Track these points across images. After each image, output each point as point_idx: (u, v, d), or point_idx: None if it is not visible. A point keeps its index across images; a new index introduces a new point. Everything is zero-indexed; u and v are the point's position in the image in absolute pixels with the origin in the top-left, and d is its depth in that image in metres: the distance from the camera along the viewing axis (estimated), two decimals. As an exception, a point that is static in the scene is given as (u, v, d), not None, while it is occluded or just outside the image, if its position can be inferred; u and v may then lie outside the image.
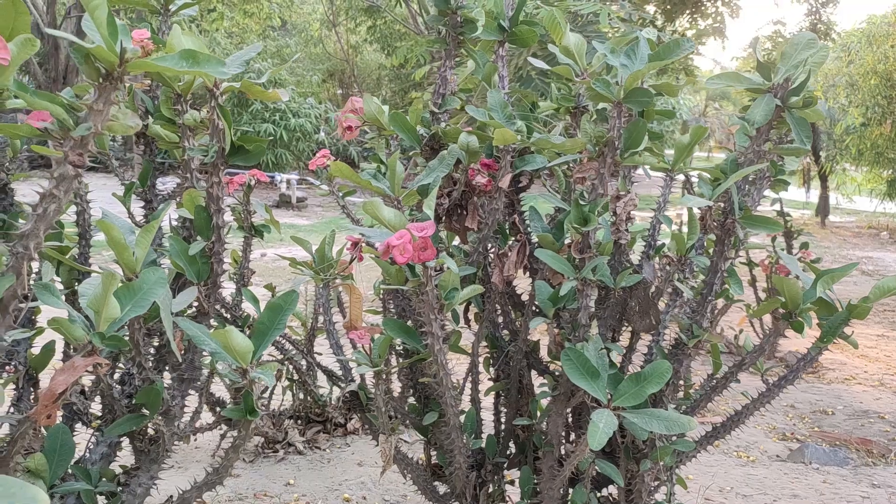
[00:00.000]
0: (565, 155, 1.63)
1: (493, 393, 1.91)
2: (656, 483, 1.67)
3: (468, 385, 1.88)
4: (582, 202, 1.45)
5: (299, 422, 2.86)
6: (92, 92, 0.90)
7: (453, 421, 1.58)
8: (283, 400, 2.93)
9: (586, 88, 1.39)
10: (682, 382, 1.62)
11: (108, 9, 0.87)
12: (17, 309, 0.98)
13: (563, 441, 1.68)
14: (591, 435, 1.36)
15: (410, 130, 1.66)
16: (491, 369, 1.93)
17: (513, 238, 1.78)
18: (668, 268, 1.63)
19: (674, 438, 1.64)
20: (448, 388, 1.54)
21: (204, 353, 1.43)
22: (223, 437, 2.58)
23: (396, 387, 1.83)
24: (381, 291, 2.16)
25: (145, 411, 1.38)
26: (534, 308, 1.76)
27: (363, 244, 1.81)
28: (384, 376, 1.66)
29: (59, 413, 1.27)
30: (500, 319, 1.87)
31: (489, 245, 1.69)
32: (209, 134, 1.27)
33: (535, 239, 1.72)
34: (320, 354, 3.21)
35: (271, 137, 13.32)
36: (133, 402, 1.43)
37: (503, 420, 1.94)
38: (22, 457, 1.17)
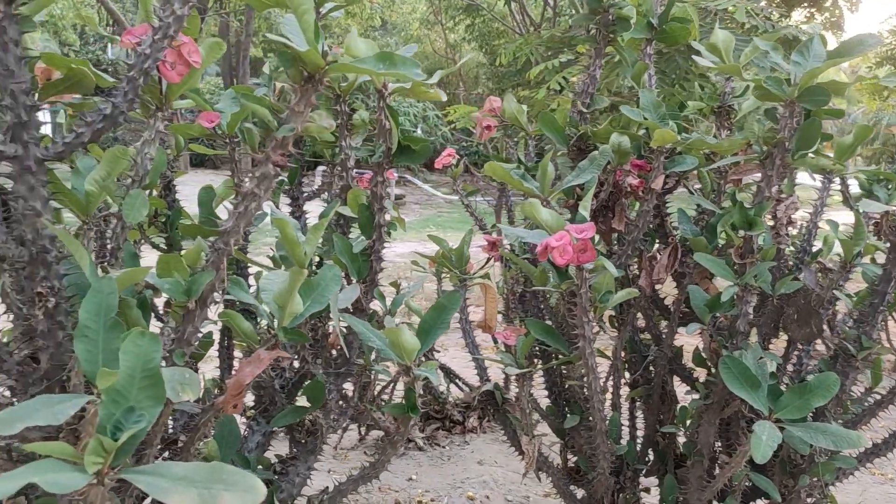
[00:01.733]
0: (721, 156, 1.58)
1: (629, 398, 1.88)
2: (811, 501, 1.60)
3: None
4: (746, 205, 1.40)
5: (419, 418, 2.89)
6: (294, 94, 0.93)
7: (600, 426, 1.56)
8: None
9: (756, 87, 1.33)
10: (845, 396, 1.54)
11: (314, 14, 0.89)
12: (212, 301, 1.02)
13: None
14: (754, 448, 1.31)
15: (559, 131, 1.65)
16: (626, 374, 1.89)
17: (658, 241, 1.74)
18: (829, 275, 1.55)
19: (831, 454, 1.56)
20: (596, 392, 1.52)
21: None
22: (345, 430, 2.63)
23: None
24: (505, 291, 2.16)
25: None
26: (680, 313, 1.71)
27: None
28: (528, 378, 1.65)
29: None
30: (641, 324, 1.84)
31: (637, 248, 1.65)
32: (376, 134, 1.29)
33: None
34: (438, 352, 3.24)
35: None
36: (288, 394, 1.48)
37: (640, 426, 1.91)
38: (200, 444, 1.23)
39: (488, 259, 2.05)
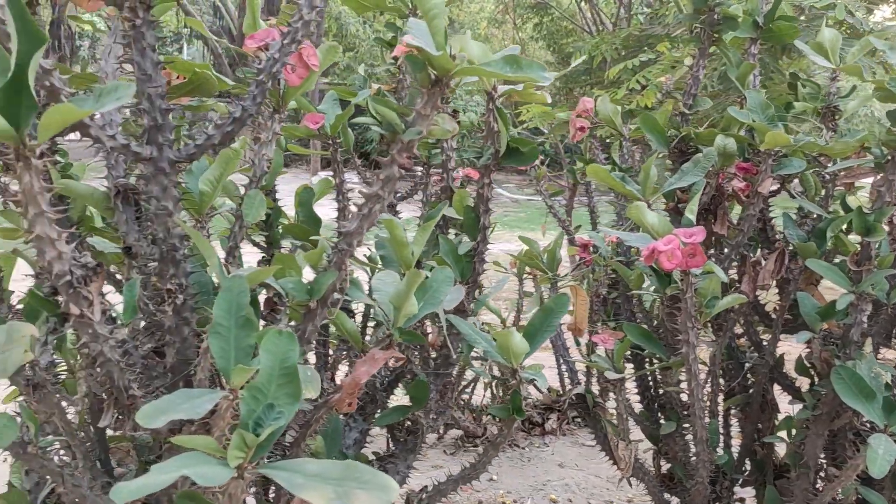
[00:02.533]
0: (831, 159, 1.53)
1: (725, 406, 1.83)
2: (924, 518, 1.53)
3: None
4: (865, 210, 1.35)
5: (497, 418, 2.89)
6: (420, 97, 0.93)
7: (700, 434, 1.53)
8: (483, 396, 2.97)
9: (877, 88, 1.28)
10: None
11: (445, 18, 0.89)
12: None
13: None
14: (870, 461, 1.26)
15: (660, 132, 1.62)
16: (721, 380, 1.85)
17: (760, 245, 1.69)
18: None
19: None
20: (698, 399, 1.49)
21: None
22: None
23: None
24: (589, 293, 2.14)
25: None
26: (783, 321, 1.66)
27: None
28: (623, 382, 1.63)
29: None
30: (739, 330, 1.79)
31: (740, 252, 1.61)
32: (483, 136, 1.29)
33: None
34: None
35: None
36: (384, 392, 1.50)
37: (734, 434, 1.86)
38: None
39: (580, 261, 2.03)
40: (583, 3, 11.84)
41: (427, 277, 1.14)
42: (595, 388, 2.07)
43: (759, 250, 1.66)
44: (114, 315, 1.04)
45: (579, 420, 2.97)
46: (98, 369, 0.92)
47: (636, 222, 1.36)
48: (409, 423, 1.48)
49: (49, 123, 0.69)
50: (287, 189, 1.68)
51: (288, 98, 1.17)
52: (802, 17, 3.39)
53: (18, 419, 0.95)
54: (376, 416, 1.44)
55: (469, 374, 2.82)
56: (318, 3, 0.99)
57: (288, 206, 1.59)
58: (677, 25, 4.01)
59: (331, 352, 1.65)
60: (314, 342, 1.10)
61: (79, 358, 1.00)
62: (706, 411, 1.54)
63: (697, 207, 1.65)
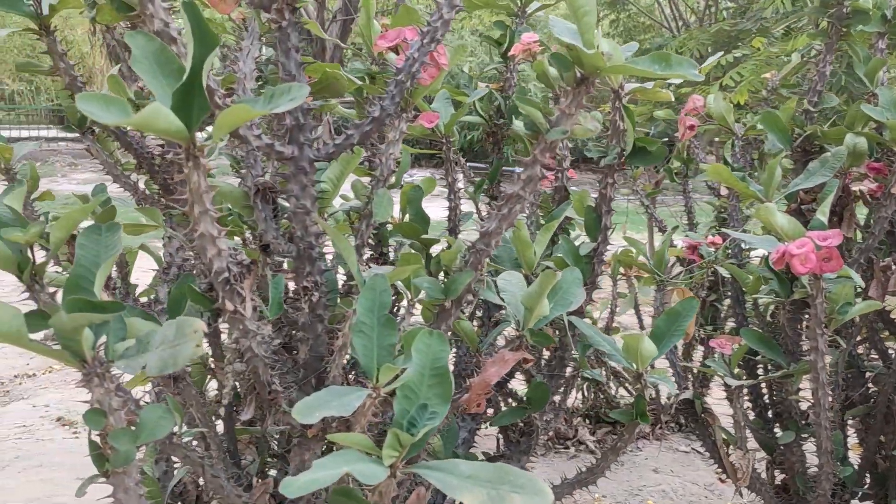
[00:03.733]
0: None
1: (844, 417, 1.76)
2: None
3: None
4: None
5: (589, 421, 2.85)
6: (565, 96, 0.92)
7: (825, 445, 1.46)
8: (575, 398, 2.94)
9: None
10: None
11: (595, 15, 0.87)
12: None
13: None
14: None
15: (783, 131, 1.56)
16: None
17: (890, 249, 1.61)
18: None
19: None
20: (824, 409, 1.43)
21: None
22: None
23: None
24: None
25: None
26: (912, 328, 1.59)
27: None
28: (741, 390, 1.58)
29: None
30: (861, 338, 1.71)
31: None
32: (608, 135, 1.27)
33: None
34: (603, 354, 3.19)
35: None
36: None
37: (851, 446, 1.78)
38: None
39: (690, 263, 1.98)
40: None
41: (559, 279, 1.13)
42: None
43: (890, 254, 1.58)
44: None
45: (673, 425, 2.90)
46: (245, 364, 0.93)
47: (764, 224, 1.31)
48: (522, 423, 1.46)
49: (224, 123, 0.71)
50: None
51: (416, 97, 1.17)
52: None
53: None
54: (490, 415, 1.44)
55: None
56: (458, 2, 0.98)
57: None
58: (778, 20, 3.87)
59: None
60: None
61: (226, 355, 1.02)
62: (831, 421, 1.48)
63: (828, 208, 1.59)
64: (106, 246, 0.84)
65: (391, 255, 1.67)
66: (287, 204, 1.03)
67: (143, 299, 1.53)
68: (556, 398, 1.52)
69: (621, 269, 2.73)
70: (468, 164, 1.93)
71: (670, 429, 2.89)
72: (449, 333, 1.14)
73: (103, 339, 0.80)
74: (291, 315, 1.08)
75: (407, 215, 1.54)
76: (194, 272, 1.20)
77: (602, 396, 2.84)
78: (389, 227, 1.64)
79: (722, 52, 3.37)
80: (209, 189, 0.78)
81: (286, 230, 1.07)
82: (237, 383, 1.05)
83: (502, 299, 1.12)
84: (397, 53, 1.16)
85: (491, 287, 1.11)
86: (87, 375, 0.78)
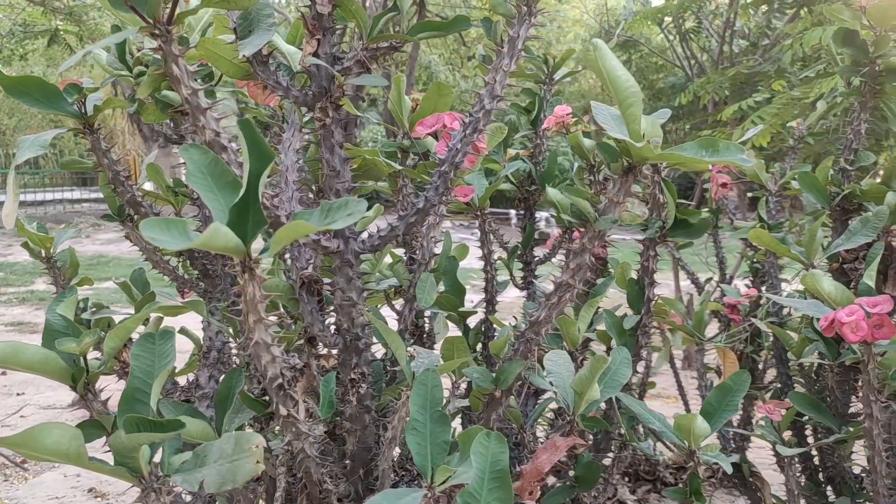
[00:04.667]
0: None
1: None
2: None
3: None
4: None
5: (628, 479, 2.79)
6: (613, 184, 0.92)
7: (884, 513, 1.42)
8: (615, 456, 2.88)
9: None
10: None
11: (641, 106, 0.88)
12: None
13: None
14: None
15: (821, 190, 1.55)
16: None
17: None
18: None
19: None
20: (881, 476, 1.39)
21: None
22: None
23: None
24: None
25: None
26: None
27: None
28: (794, 457, 1.54)
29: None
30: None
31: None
32: (649, 208, 1.26)
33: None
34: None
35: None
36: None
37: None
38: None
39: (729, 323, 1.95)
40: (673, 39, 11.71)
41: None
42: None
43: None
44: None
45: (714, 481, 2.83)
46: (299, 465, 0.92)
47: (811, 291, 1.29)
48: (570, 501, 1.43)
49: (281, 238, 0.71)
50: None
51: (456, 183, 1.17)
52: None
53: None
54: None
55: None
56: (499, 92, 0.99)
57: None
58: (795, 63, 3.88)
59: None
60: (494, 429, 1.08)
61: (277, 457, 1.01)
62: (889, 487, 1.43)
63: (874, 270, 1.57)
64: (160, 354, 0.84)
65: (426, 324, 1.67)
66: (333, 296, 1.03)
67: (182, 381, 1.53)
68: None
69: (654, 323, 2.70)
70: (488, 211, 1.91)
71: (711, 485, 2.82)
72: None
73: (159, 452, 0.79)
74: (338, 406, 1.07)
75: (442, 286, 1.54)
76: (237, 361, 1.20)
77: (641, 454, 2.78)
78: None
79: (741, 98, 3.38)
80: (263, 299, 0.77)
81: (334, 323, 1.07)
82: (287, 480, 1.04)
83: (551, 383, 1.10)
84: (436, 139, 1.17)
85: (540, 372, 1.10)
86: (144, 491, 0.77)
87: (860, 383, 1.34)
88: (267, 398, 0.89)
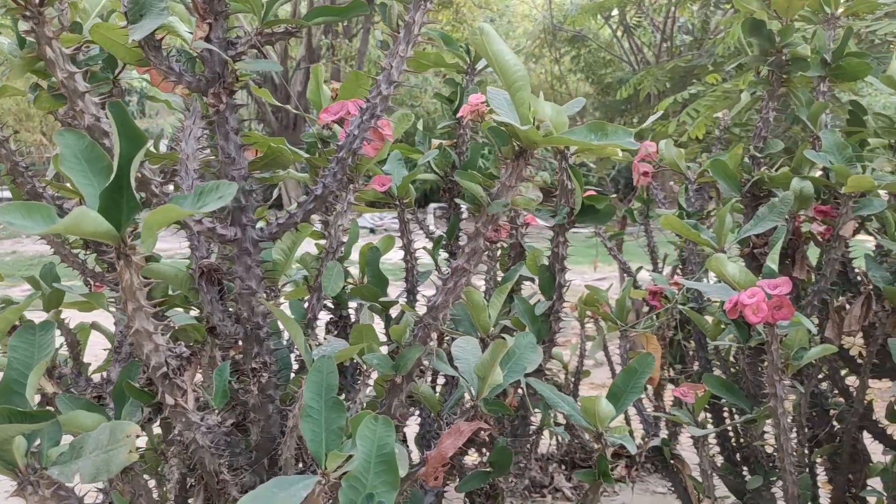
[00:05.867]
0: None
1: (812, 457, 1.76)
2: None
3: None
4: (960, 254, 1.29)
5: (564, 467, 2.83)
6: (505, 168, 0.92)
7: (792, 490, 1.46)
8: (549, 444, 2.92)
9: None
10: None
11: (529, 90, 0.88)
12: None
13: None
14: (983, 521, 1.19)
15: (731, 177, 1.58)
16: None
17: (843, 289, 1.64)
18: None
19: None
20: (788, 453, 1.43)
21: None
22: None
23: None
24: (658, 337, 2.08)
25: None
26: (870, 366, 1.60)
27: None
28: (707, 438, 1.58)
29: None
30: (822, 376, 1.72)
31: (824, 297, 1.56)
32: (556, 194, 1.27)
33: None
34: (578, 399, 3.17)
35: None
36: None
37: (821, 484, 1.78)
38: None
39: (651, 309, 1.99)
40: (619, 34, 11.86)
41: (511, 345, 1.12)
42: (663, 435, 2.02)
43: (841, 295, 1.60)
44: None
45: (649, 466, 2.89)
46: (190, 455, 0.91)
47: (716, 275, 1.32)
48: (487, 486, 1.44)
49: (152, 223, 0.70)
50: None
51: (362, 169, 1.17)
52: (860, 44, 3.33)
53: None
54: (454, 480, 1.41)
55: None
56: (396, 78, 0.99)
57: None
58: (731, 58, 3.97)
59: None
60: (398, 416, 1.08)
61: (161, 444, 1.00)
62: (795, 464, 1.48)
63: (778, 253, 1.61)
64: (40, 346, 0.82)
65: (352, 316, 1.66)
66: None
67: (97, 378, 1.50)
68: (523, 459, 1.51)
69: (589, 312, 2.74)
70: (434, 205, 1.92)
71: (646, 470, 2.87)
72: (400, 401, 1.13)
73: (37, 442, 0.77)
74: (242, 396, 1.06)
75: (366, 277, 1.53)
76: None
77: (577, 441, 2.82)
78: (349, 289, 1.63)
79: (678, 91, 3.44)
80: (142, 286, 0.76)
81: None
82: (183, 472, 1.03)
83: (455, 368, 1.11)
84: (342, 126, 1.17)
85: (442, 357, 1.10)
86: (20, 484, 0.75)
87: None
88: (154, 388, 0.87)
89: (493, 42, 0.87)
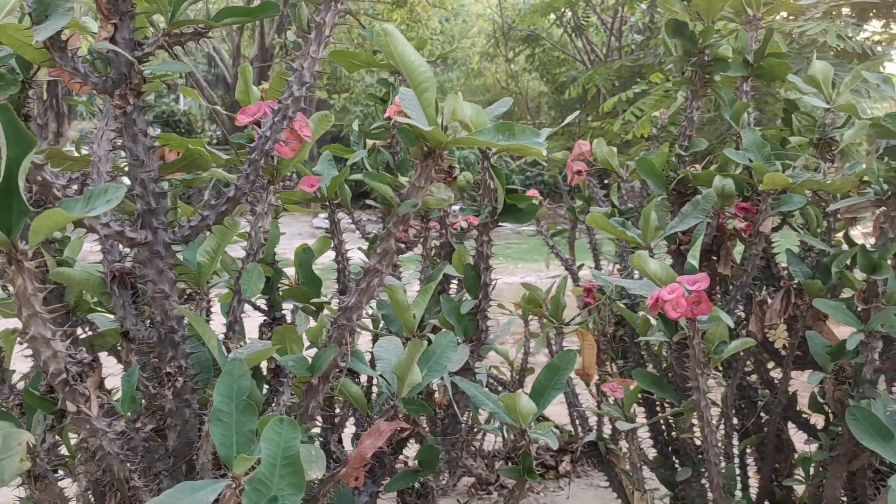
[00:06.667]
0: (830, 195, 1.52)
1: (741, 447, 1.80)
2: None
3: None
4: (870, 248, 1.33)
5: (511, 463, 2.85)
6: (414, 169, 0.93)
7: (717, 480, 1.49)
8: (495, 441, 2.93)
9: (873, 124, 1.28)
10: None
11: (435, 91, 0.89)
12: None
13: (838, 505, 1.54)
14: (892, 505, 1.23)
15: (657, 175, 1.61)
16: (735, 420, 1.82)
17: (765, 283, 1.68)
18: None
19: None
20: (712, 445, 1.46)
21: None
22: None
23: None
24: (595, 333, 2.12)
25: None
26: (793, 358, 1.64)
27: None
28: (636, 431, 1.61)
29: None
30: (748, 368, 1.77)
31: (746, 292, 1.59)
32: (480, 194, 1.28)
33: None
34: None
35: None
36: (393, 453, 1.47)
37: (752, 474, 1.83)
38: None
39: (585, 306, 2.01)
40: (570, 34, 11.96)
41: (430, 344, 1.13)
42: (609, 432, 2.05)
43: (764, 289, 1.65)
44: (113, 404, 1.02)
45: (594, 461, 2.92)
46: (98, 463, 0.90)
47: (639, 271, 1.34)
48: (419, 485, 1.45)
49: (40, 228, 0.68)
50: (288, 232, 1.66)
51: (282, 170, 1.17)
52: (793, 45, 3.41)
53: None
54: (385, 479, 1.42)
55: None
56: (307, 79, 0.99)
57: (288, 250, 1.57)
58: (670, 59, 4.04)
59: (337, 410, 1.63)
60: (316, 417, 1.08)
61: (77, 453, 0.98)
62: (721, 455, 1.51)
63: (700, 249, 1.64)
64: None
65: (288, 318, 1.65)
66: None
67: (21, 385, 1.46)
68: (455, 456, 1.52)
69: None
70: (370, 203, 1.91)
71: (591, 464, 2.91)
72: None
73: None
74: (158, 401, 1.05)
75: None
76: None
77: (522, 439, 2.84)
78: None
79: (624, 90, 3.49)
80: (37, 291, 0.75)
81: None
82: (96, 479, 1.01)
83: (374, 369, 1.11)
84: (260, 127, 1.16)
85: (362, 357, 1.10)
86: (-89, 497, 0.73)
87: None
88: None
89: (398, 43, 0.87)
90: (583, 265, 2.63)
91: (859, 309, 1.37)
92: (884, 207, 1.36)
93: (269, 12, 0.99)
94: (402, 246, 0.95)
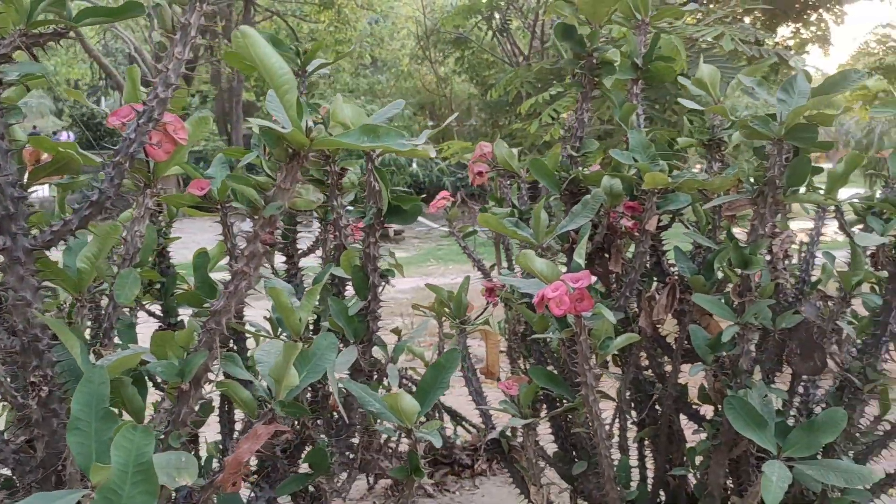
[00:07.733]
0: (714, 194, 1.58)
1: (637, 439, 1.86)
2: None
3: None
4: (741, 244, 1.39)
5: (426, 464, 2.86)
6: (280, 171, 0.93)
7: (608, 472, 1.54)
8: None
9: (741, 126, 1.33)
10: (853, 429, 1.52)
11: (297, 92, 0.89)
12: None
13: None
14: (765, 489, 1.29)
15: (550, 176, 1.65)
16: (633, 413, 1.87)
17: (656, 280, 1.73)
18: (829, 306, 1.54)
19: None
20: (602, 438, 1.50)
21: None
22: (353, 480, 2.60)
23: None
24: (506, 331, 2.15)
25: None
26: (682, 350, 1.70)
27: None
28: (533, 427, 1.64)
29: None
30: (644, 363, 1.82)
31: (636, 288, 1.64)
32: (365, 195, 1.29)
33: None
34: (443, 395, 3.21)
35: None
36: (290, 457, 1.46)
37: (649, 467, 1.88)
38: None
39: (487, 305, 2.04)
40: (493, 36, 12.07)
41: (310, 345, 1.13)
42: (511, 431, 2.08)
43: (654, 285, 1.70)
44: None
45: (498, 458, 2.96)
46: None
47: (526, 269, 1.37)
48: (313, 488, 1.45)
49: None
50: (202, 239, 1.63)
51: (159, 174, 1.15)
52: (693, 49, 3.54)
53: None
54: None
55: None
56: (173, 80, 0.97)
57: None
58: (562, 62, 4.15)
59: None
60: (188, 423, 1.06)
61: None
62: (612, 448, 1.55)
63: (592, 247, 1.69)
64: None
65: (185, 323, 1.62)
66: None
67: None
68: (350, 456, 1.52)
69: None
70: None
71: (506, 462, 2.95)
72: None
73: None
74: (24, 411, 1.02)
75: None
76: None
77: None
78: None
79: (542, 92, 3.54)
80: None
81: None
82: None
83: (250, 372, 1.10)
84: (132, 129, 1.14)
85: (237, 361, 1.09)
86: None
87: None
88: None
89: (257, 45, 0.87)
90: (494, 265, 2.66)
91: (735, 303, 1.43)
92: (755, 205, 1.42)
93: (132, 12, 0.97)
94: (269, 248, 0.95)
